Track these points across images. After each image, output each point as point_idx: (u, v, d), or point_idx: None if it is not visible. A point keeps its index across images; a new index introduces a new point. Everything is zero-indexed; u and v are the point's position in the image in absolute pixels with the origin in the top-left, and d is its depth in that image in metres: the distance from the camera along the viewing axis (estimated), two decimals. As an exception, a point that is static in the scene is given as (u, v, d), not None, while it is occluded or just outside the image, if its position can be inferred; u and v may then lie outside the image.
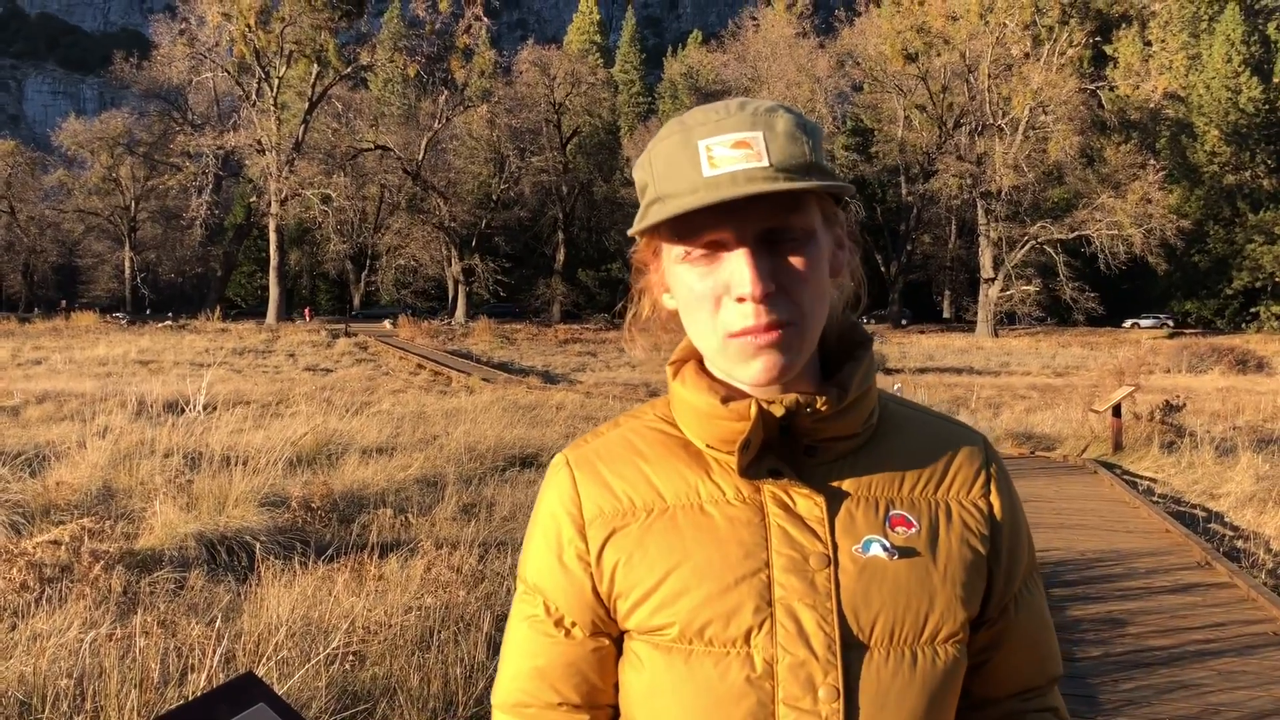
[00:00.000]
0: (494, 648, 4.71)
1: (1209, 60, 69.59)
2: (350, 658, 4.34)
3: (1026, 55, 61.11)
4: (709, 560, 1.06)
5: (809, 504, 1.07)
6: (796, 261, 1.02)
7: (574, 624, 1.12)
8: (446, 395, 22.37)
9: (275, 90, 62.31)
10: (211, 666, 3.84)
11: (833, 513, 1.07)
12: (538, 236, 71.13)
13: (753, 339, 1.02)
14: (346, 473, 9.27)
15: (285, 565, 5.66)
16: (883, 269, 67.73)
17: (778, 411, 1.05)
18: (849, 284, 1.14)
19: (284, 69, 62.75)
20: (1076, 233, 57.88)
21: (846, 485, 1.09)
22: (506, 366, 36.46)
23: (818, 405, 1.06)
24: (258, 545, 6.25)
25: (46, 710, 3.61)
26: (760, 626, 1.04)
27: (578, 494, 1.13)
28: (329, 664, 4.13)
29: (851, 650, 1.04)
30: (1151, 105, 66.79)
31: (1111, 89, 66.34)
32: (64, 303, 66.04)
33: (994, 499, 1.14)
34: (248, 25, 60.09)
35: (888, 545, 1.06)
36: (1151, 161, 60.60)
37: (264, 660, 3.91)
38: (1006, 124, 61.29)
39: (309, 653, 4.13)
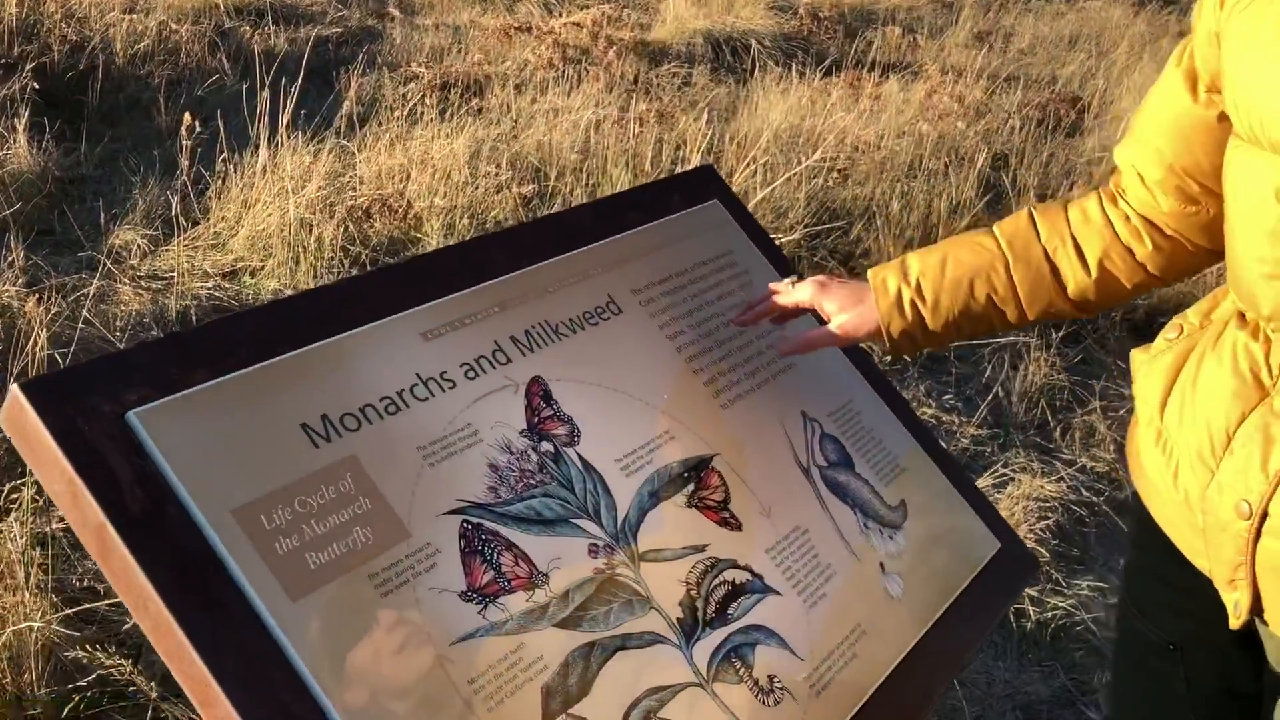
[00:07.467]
0: (985, 185, 4.41)
1: None
2: (834, 174, 4.25)
3: None
4: None
5: None
6: None
7: None
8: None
9: None
10: (694, 161, 3.91)
11: None
12: None
13: None
14: (859, -16, 8.75)
15: (784, 73, 5.56)
16: None
17: None
18: None
19: None
20: None
21: None
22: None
23: None
24: (760, 48, 6.17)
25: (554, 178, 3.91)
26: None
27: None
28: (811, 177, 4.07)
29: None
30: None
31: None
32: None
33: None
34: None
35: None
36: None
37: (746, 164, 3.92)
38: None
39: (792, 163, 4.08)
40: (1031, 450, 3.09)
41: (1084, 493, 2.89)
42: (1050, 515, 2.75)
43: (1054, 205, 1.26)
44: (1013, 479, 2.88)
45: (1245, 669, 1.20)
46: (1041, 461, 3.02)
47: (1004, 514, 2.71)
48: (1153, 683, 1.28)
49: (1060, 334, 3.58)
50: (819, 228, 3.84)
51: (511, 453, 1.12)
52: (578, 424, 1.20)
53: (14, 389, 0.89)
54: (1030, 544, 2.66)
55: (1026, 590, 2.54)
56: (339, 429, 1.03)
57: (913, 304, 1.27)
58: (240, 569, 0.90)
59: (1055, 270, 1.23)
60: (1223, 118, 1.07)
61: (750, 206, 3.73)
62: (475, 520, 1.05)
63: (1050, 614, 2.51)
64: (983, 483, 2.86)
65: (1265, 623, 1.10)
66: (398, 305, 1.16)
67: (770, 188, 3.79)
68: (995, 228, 1.28)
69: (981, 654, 2.41)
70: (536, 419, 1.17)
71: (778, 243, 3.60)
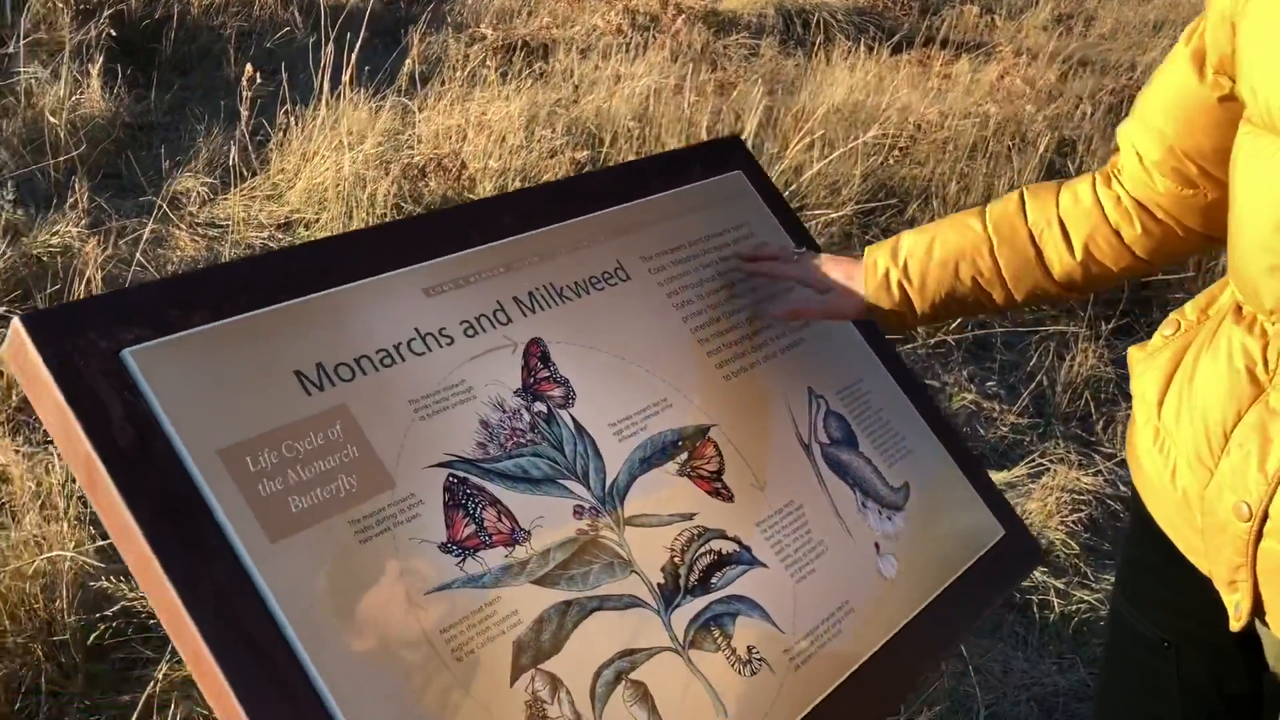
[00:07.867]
0: (1049, 170, 4.33)
1: None
2: (894, 152, 4.19)
3: None
4: None
5: None
6: None
7: None
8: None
9: None
10: (750, 132, 3.89)
11: None
12: None
13: None
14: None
15: (853, 47, 5.49)
16: None
17: None
18: None
19: None
20: None
21: None
22: None
23: None
24: (832, 21, 6.10)
25: (607, 144, 3.91)
26: None
27: None
28: (870, 154, 4.02)
29: None
30: None
31: None
32: None
33: None
34: None
35: None
36: None
37: (804, 136, 3.87)
38: None
39: (851, 138, 4.04)
40: (1071, 442, 3.04)
41: (1120, 487, 2.84)
42: (1084, 508, 2.71)
43: (1047, 186, 1.25)
44: (1049, 469, 2.84)
45: (1239, 669, 1.19)
46: (1080, 454, 2.98)
47: (1036, 505, 2.68)
48: (1144, 678, 1.27)
49: (1110, 326, 3.51)
50: (872, 205, 3.79)
51: (504, 411, 1.14)
52: (574, 387, 1.21)
53: (15, 321, 0.93)
54: (1061, 536, 2.62)
55: (1052, 583, 2.51)
56: (332, 378, 1.05)
57: (900, 284, 1.26)
58: (222, 508, 0.93)
59: (1040, 253, 1.22)
60: (1225, 100, 1.04)
61: (803, 180, 3.70)
62: (461, 474, 1.07)
63: (1075, 607, 2.48)
64: (1018, 472, 2.82)
65: (1266, 624, 1.08)
66: (402, 260, 1.18)
67: (825, 161, 3.76)
68: (986, 208, 1.26)
69: (1000, 644, 2.39)
70: (532, 379, 1.19)
71: (827, 218, 3.58)
